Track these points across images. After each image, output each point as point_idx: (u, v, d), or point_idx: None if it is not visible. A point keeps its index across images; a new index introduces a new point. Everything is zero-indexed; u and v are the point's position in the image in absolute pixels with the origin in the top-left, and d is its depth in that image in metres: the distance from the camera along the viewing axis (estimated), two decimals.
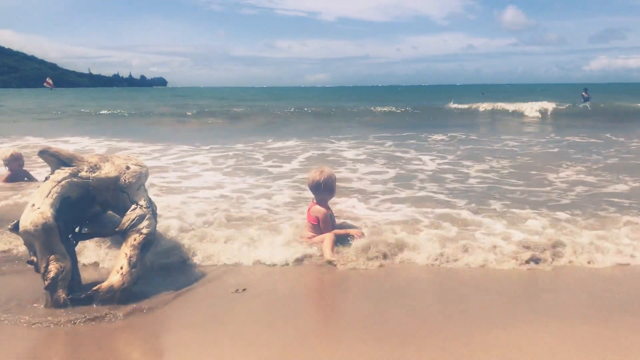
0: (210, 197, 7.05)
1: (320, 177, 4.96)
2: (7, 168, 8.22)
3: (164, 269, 4.40)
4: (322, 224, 4.91)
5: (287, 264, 4.53)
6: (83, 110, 30.11)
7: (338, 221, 5.25)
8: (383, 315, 3.52)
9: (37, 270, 3.80)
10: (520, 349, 3.00)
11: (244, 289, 3.96)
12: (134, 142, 14.27)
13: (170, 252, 4.66)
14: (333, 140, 14.61)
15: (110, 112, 28.89)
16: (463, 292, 3.99)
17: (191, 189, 7.71)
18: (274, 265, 4.52)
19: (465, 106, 28.27)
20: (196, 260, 4.62)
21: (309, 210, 5.04)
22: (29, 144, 13.73)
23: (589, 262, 4.62)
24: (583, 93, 38.90)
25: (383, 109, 27.59)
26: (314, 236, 4.91)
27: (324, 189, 4.98)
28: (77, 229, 4.27)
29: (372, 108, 28.36)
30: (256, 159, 10.97)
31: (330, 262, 4.53)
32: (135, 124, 22.75)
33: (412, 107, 28.87)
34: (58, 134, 16.86)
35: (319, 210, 4.92)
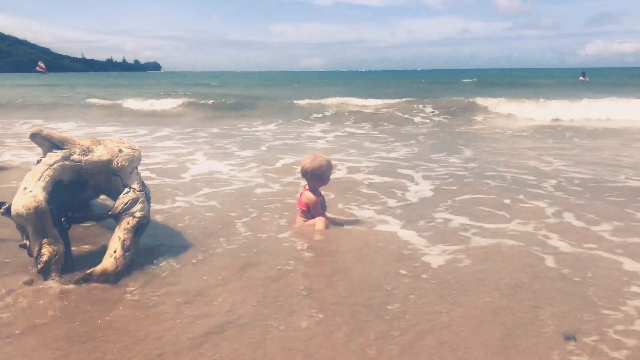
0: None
1: (309, 165, 4.92)
2: None
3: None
4: (313, 211, 4.93)
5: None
6: None
7: (331, 215, 5.22)
8: None
9: (30, 254, 3.78)
10: None
11: None
12: None
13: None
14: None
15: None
16: None
17: None
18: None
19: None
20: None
21: (300, 195, 5.04)
22: None
23: None
24: (581, 77, 38.83)
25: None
26: (306, 220, 4.93)
27: (311, 177, 4.94)
28: (69, 213, 4.24)
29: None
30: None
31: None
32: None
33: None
34: None
35: (308, 197, 4.92)
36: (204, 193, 6.44)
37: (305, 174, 4.95)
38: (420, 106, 19.80)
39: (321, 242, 4.61)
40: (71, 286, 3.58)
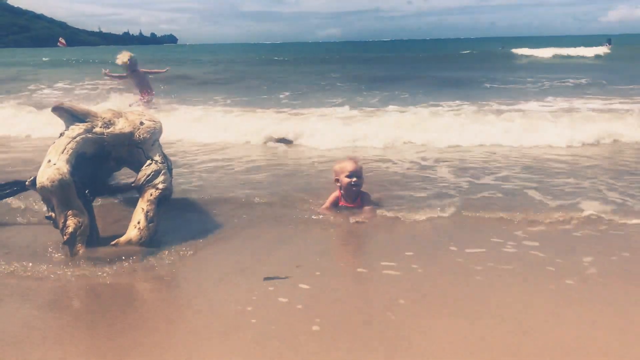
0: None
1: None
2: (129, 71, 9.36)
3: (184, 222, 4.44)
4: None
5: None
6: None
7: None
8: None
9: (55, 225, 3.84)
10: None
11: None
12: None
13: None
14: None
15: None
16: None
17: None
18: None
19: None
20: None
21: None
22: None
23: None
24: (605, 44, 37.31)
25: None
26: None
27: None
28: (93, 185, 4.29)
29: None
30: None
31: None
32: None
33: None
34: None
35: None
36: None
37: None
38: None
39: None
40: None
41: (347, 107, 11.42)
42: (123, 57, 9.79)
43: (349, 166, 4.68)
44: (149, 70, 10.97)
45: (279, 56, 41.38)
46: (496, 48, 43.06)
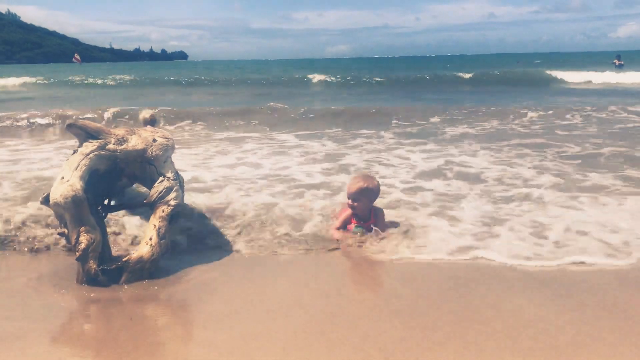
0: None
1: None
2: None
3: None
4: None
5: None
6: None
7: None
8: None
9: (68, 242, 3.86)
10: None
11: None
12: None
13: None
14: None
15: None
16: None
17: None
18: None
19: None
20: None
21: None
22: None
23: None
24: (615, 60, 37.29)
25: None
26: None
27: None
28: (105, 201, 4.30)
29: None
30: None
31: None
32: None
33: None
34: None
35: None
36: None
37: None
38: None
39: None
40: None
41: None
42: (145, 114, 10.09)
43: (350, 187, 4.62)
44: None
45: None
46: (515, 66, 42.09)
